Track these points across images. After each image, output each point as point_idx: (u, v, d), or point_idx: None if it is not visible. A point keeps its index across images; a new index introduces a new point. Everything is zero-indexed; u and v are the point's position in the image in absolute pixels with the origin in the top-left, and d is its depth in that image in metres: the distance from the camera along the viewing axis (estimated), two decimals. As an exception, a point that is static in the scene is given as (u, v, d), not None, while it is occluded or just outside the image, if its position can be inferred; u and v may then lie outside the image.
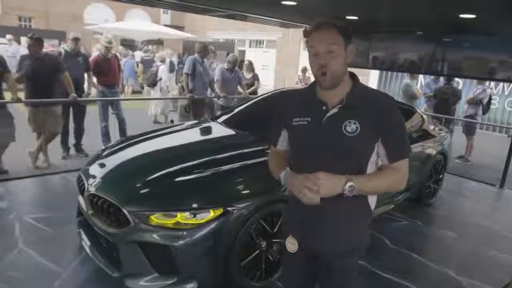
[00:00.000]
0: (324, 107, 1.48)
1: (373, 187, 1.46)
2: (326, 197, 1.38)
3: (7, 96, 4.56)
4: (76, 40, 5.42)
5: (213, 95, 6.40)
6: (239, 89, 6.80)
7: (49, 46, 10.83)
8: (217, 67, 6.57)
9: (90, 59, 5.81)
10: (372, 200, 1.58)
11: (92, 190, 2.58)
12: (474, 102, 6.74)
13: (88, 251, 2.65)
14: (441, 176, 4.64)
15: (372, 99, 1.48)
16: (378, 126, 1.44)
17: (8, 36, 12.65)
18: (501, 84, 11.21)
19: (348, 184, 1.37)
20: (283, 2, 3.85)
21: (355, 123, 1.42)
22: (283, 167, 1.56)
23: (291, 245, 1.61)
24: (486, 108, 6.82)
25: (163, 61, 9.26)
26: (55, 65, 4.81)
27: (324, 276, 1.64)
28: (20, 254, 2.89)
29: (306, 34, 1.45)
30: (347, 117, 1.44)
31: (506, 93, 11.29)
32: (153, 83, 8.43)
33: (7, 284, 2.54)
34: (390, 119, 1.46)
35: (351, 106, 1.45)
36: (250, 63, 7.70)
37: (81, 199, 2.77)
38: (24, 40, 12.10)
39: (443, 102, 6.73)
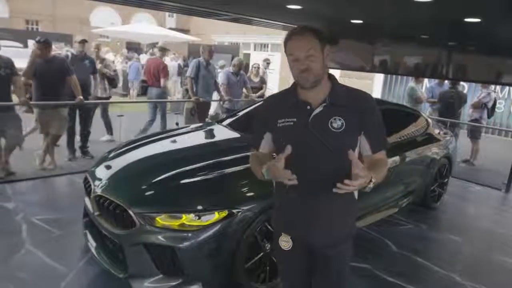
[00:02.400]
0: (308, 107, 1.55)
1: (380, 178, 1.55)
2: (314, 195, 1.52)
3: (16, 99, 4.61)
4: (83, 42, 5.48)
5: (219, 98, 6.43)
6: (245, 92, 6.84)
7: (56, 49, 10.96)
8: (222, 71, 6.60)
9: (149, 63, 6.07)
10: (356, 192, 1.65)
11: (99, 191, 2.61)
12: (479, 106, 6.72)
13: (94, 252, 2.68)
14: (446, 180, 4.63)
15: (353, 97, 1.59)
16: (361, 121, 1.55)
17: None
18: (507, 88, 11.14)
19: (373, 181, 1.44)
20: (289, 6, 3.88)
21: (340, 120, 1.52)
22: (263, 163, 1.59)
23: (285, 243, 1.67)
24: (491, 111, 6.79)
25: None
26: (62, 68, 4.84)
27: (320, 270, 1.69)
28: (27, 255, 2.92)
29: (285, 41, 1.52)
30: (332, 114, 1.53)
31: (512, 97, 11.24)
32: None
33: (14, 284, 2.57)
34: (372, 114, 1.58)
35: (334, 104, 1.54)
36: (258, 67, 7.75)
37: (87, 201, 2.81)
38: (31, 43, 12.19)
39: (448, 105, 6.71)
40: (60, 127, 4.94)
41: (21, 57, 7.36)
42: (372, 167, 1.55)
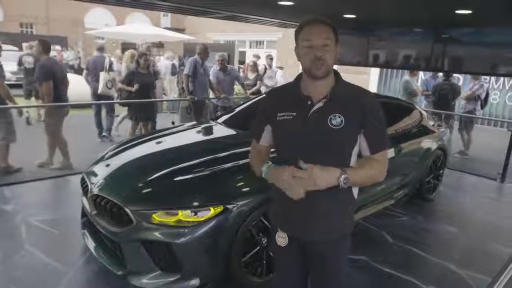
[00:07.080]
0: (309, 102, 1.52)
1: (363, 178, 1.53)
2: (313, 191, 1.45)
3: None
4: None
5: (214, 96, 6.43)
6: (240, 89, 6.81)
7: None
8: (211, 69, 6.56)
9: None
10: (355, 190, 1.63)
11: (95, 191, 2.64)
12: (473, 98, 6.76)
13: (93, 250, 2.71)
14: (441, 171, 4.67)
15: (354, 94, 1.55)
16: (361, 120, 1.50)
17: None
18: (502, 79, 11.19)
19: (343, 176, 1.44)
20: (280, 3, 3.90)
21: (339, 117, 1.48)
22: (264, 161, 1.62)
23: (281, 239, 1.65)
24: (484, 103, 6.84)
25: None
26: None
27: (316, 266, 1.67)
28: (27, 255, 2.95)
29: (300, 27, 1.50)
30: (332, 111, 1.49)
31: (507, 87, 11.28)
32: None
33: (15, 284, 2.60)
34: (372, 113, 1.52)
35: (335, 100, 1.51)
36: (254, 64, 7.74)
37: (84, 200, 2.83)
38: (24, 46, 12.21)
39: (443, 98, 6.75)
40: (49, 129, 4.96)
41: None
42: (358, 165, 1.55)
